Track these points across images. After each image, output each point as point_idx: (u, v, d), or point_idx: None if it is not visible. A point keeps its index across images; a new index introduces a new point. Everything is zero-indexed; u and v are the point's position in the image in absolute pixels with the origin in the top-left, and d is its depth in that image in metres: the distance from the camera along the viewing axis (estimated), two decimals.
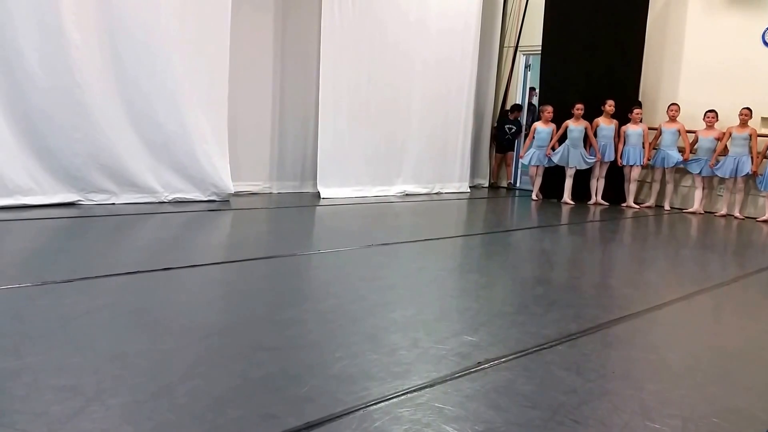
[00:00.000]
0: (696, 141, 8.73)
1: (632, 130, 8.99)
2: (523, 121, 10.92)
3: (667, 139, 8.85)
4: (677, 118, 8.82)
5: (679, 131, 8.78)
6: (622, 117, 9.10)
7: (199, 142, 6.61)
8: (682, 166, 8.86)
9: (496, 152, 10.85)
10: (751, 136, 8.21)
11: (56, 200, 5.77)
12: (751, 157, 8.20)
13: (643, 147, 8.95)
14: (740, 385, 2.62)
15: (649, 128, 9.03)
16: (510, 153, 10.81)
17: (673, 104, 8.85)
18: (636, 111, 8.98)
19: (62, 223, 5.28)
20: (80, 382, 2.15)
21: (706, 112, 8.55)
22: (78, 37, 5.70)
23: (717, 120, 8.50)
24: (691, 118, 8.75)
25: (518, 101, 10.89)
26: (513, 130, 10.64)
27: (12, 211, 5.34)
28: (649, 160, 8.92)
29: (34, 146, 5.63)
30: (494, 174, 11.01)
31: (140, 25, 6.08)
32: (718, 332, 3.55)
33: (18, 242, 4.59)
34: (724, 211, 8.52)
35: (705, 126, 8.61)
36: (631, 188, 9.15)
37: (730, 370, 2.82)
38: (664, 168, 8.95)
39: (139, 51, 6.10)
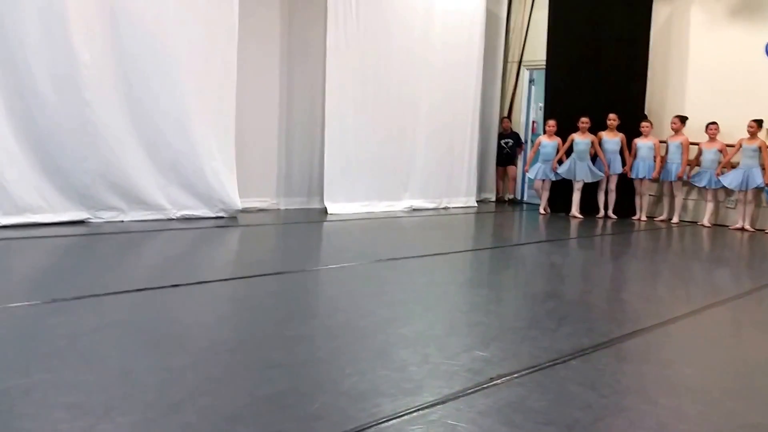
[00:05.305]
0: (700, 153, 8.70)
1: (642, 143, 8.96)
2: (528, 137, 10.93)
3: (672, 152, 8.82)
4: (682, 132, 8.78)
5: (682, 144, 8.74)
6: (630, 130, 9.08)
7: (206, 159, 6.63)
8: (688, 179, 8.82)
9: (497, 166, 10.88)
10: (760, 148, 8.17)
11: (65, 218, 5.79)
12: (762, 169, 8.14)
13: (654, 160, 8.90)
14: (758, 400, 2.57)
15: (660, 141, 8.98)
16: (511, 167, 10.81)
17: (676, 117, 8.80)
18: (643, 124, 8.96)
19: (71, 241, 5.29)
20: (89, 400, 2.14)
21: (708, 124, 8.53)
22: (87, 57, 5.75)
23: (719, 131, 8.47)
24: (697, 130, 8.72)
25: (523, 116, 10.93)
26: (510, 144, 10.66)
27: (22, 229, 5.35)
28: (659, 174, 8.88)
29: (43, 164, 5.66)
30: (499, 188, 11.01)
31: (148, 43, 6.13)
32: (733, 346, 3.50)
33: (27, 260, 4.60)
34: (739, 225, 8.44)
35: (708, 138, 8.59)
36: (643, 202, 9.10)
37: (747, 384, 2.77)
38: (672, 181, 8.90)
39: (147, 69, 6.14)
